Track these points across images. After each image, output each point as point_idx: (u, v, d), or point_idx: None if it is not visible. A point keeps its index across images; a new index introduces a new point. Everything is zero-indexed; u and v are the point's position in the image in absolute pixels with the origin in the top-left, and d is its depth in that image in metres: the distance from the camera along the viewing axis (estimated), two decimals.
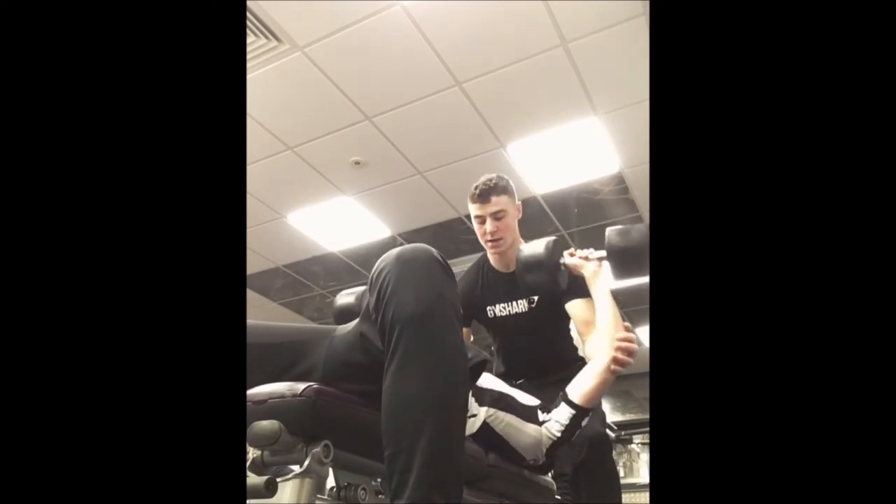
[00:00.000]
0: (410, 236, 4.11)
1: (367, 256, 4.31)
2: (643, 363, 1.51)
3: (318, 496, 0.81)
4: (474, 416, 1.27)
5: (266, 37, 2.55)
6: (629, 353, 1.29)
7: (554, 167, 3.43)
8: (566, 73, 2.75)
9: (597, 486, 1.60)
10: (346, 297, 1.74)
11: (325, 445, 0.80)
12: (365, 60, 2.69)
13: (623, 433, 5.76)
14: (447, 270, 0.86)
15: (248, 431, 0.79)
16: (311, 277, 4.72)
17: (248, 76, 2.75)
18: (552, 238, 1.49)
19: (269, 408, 0.81)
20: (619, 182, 3.54)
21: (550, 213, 3.84)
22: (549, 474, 1.46)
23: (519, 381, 1.73)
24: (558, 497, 1.52)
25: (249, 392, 0.84)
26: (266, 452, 0.82)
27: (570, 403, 1.30)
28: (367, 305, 0.87)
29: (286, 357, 0.98)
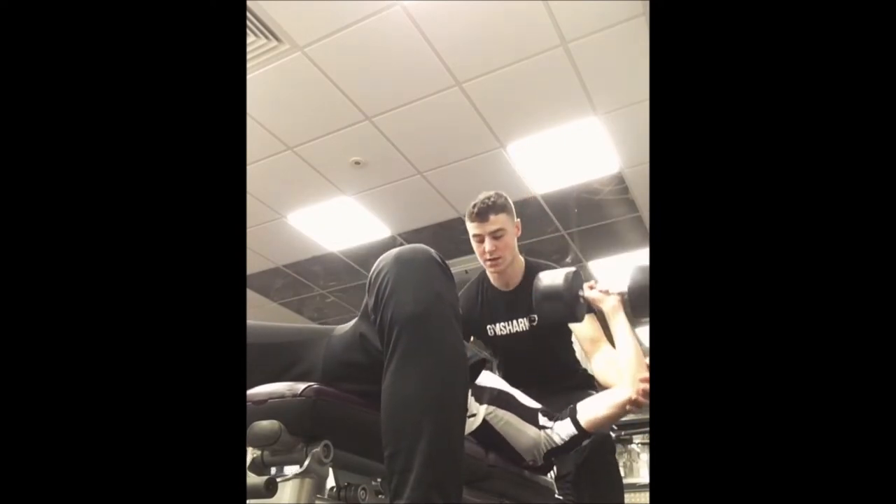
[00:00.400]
0: (410, 236, 4.11)
1: (367, 256, 4.32)
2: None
3: (318, 496, 0.81)
4: (474, 415, 1.27)
5: (266, 37, 2.55)
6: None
7: (554, 167, 3.43)
8: (566, 73, 2.75)
9: (599, 486, 1.60)
10: None
11: (325, 445, 0.80)
12: (365, 60, 2.69)
13: (623, 433, 5.76)
14: (446, 271, 0.86)
15: (248, 431, 0.79)
16: (311, 277, 4.72)
17: (248, 76, 2.75)
18: (572, 269, 1.45)
19: (269, 408, 0.81)
20: (619, 182, 3.54)
21: (550, 213, 3.84)
22: (550, 475, 1.46)
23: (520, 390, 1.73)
24: (559, 497, 1.51)
25: (249, 392, 0.84)
26: (266, 452, 0.82)
27: (577, 423, 1.29)
28: (366, 306, 0.87)
29: (286, 357, 0.98)
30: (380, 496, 0.92)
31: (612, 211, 3.84)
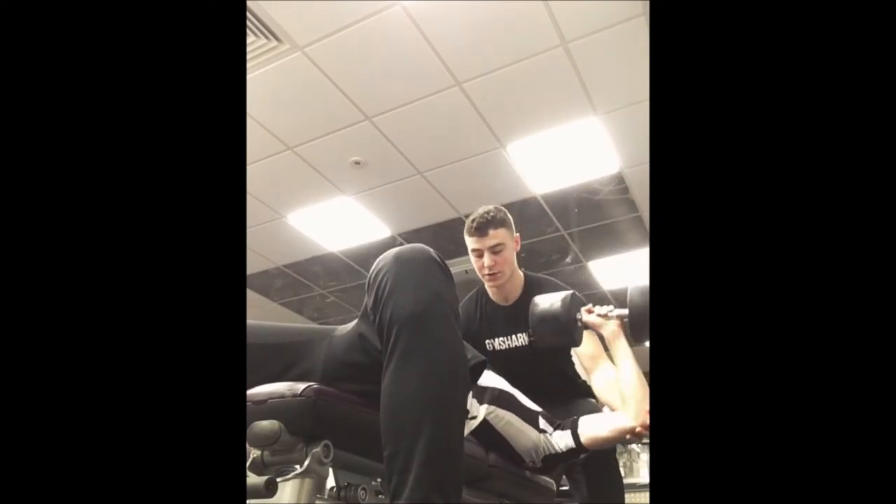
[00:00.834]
0: (410, 236, 4.11)
1: (367, 256, 4.32)
2: (643, 363, 1.51)
3: (318, 496, 0.81)
4: (474, 417, 1.27)
5: (266, 37, 2.55)
6: None
7: (554, 167, 3.43)
8: (566, 73, 2.75)
9: (599, 486, 1.60)
10: None
11: (325, 445, 0.80)
12: (365, 60, 2.69)
13: None
14: (445, 271, 0.86)
15: (248, 431, 0.79)
16: (311, 277, 4.72)
17: (248, 76, 2.75)
18: (569, 293, 1.44)
19: (269, 408, 0.81)
20: (619, 182, 3.54)
21: (550, 213, 3.84)
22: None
23: None
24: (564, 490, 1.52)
25: (249, 392, 0.84)
26: (266, 452, 0.82)
27: (576, 438, 1.28)
28: (366, 306, 0.87)
29: (286, 357, 0.98)
30: (380, 496, 0.92)
31: (612, 211, 3.84)
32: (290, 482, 0.78)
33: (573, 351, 1.72)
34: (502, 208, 1.72)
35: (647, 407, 1.24)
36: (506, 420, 1.29)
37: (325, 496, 0.85)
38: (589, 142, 3.20)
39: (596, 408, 1.59)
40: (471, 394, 1.27)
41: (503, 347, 1.76)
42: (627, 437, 1.24)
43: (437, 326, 0.80)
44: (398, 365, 0.77)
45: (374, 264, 0.86)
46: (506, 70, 2.74)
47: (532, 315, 1.42)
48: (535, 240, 4.09)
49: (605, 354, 1.56)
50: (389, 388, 0.77)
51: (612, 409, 1.46)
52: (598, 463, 1.59)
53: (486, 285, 1.79)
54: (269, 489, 0.75)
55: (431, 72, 2.75)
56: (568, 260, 4.39)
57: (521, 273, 1.79)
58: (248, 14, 2.42)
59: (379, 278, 0.83)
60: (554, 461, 1.31)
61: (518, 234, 1.77)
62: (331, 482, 0.87)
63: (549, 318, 1.39)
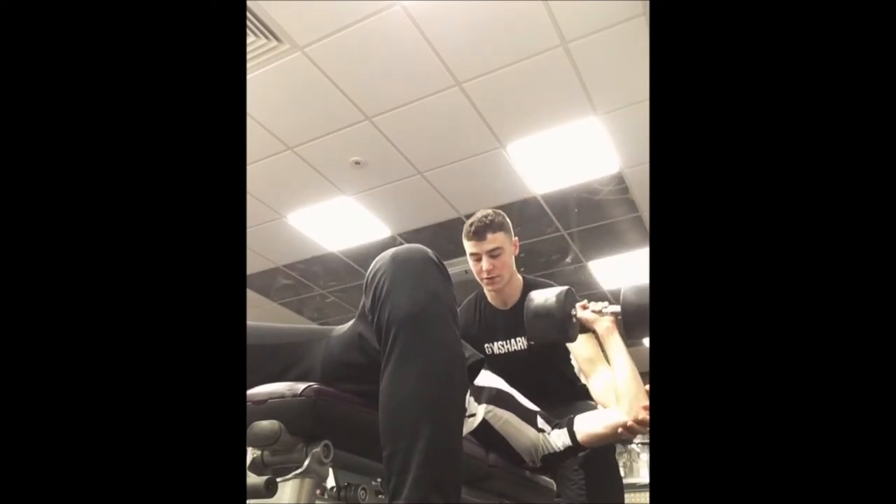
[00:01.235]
0: (410, 236, 4.11)
1: (367, 256, 4.31)
2: (643, 363, 1.51)
3: (318, 496, 0.81)
4: (473, 415, 1.27)
5: (266, 37, 2.55)
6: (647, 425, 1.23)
7: (554, 167, 3.43)
8: (566, 73, 2.75)
9: (599, 486, 1.60)
10: None
11: (325, 445, 0.80)
12: (365, 60, 2.69)
13: None
14: (443, 270, 0.86)
15: (248, 431, 0.79)
16: (311, 277, 4.72)
17: (248, 76, 2.75)
18: (564, 289, 1.44)
19: (269, 408, 0.81)
20: (619, 182, 3.54)
21: (550, 213, 3.84)
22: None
23: None
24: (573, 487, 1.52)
25: (249, 392, 0.84)
26: (266, 452, 0.82)
27: (572, 436, 1.28)
28: (364, 306, 0.87)
29: (286, 358, 0.98)
30: (380, 496, 0.92)
31: (612, 211, 3.84)
32: (290, 482, 0.78)
33: (572, 354, 1.72)
34: (501, 212, 1.72)
35: (640, 402, 1.25)
36: (504, 419, 1.29)
37: (326, 496, 0.86)
38: (589, 142, 3.20)
39: (594, 410, 1.59)
40: (468, 393, 1.27)
41: (502, 351, 1.76)
42: (620, 431, 1.24)
43: (434, 326, 0.80)
44: (396, 365, 0.77)
45: (372, 265, 0.86)
46: (506, 70, 2.74)
47: (527, 310, 1.42)
48: (535, 240, 4.09)
49: (602, 358, 1.56)
50: (388, 388, 0.77)
51: None
52: (597, 463, 1.59)
53: (485, 289, 1.79)
54: (269, 489, 0.75)
55: (431, 72, 2.75)
56: (568, 260, 4.39)
57: (519, 277, 1.79)
58: (248, 14, 2.42)
59: (376, 279, 0.83)
60: (553, 460, 1.31)
61: (517, 238, 1.77)
62: (331, 482, 0.87)
63: (544, 314, 1.40)
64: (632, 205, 3.76)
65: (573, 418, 1.31)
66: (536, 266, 4.36)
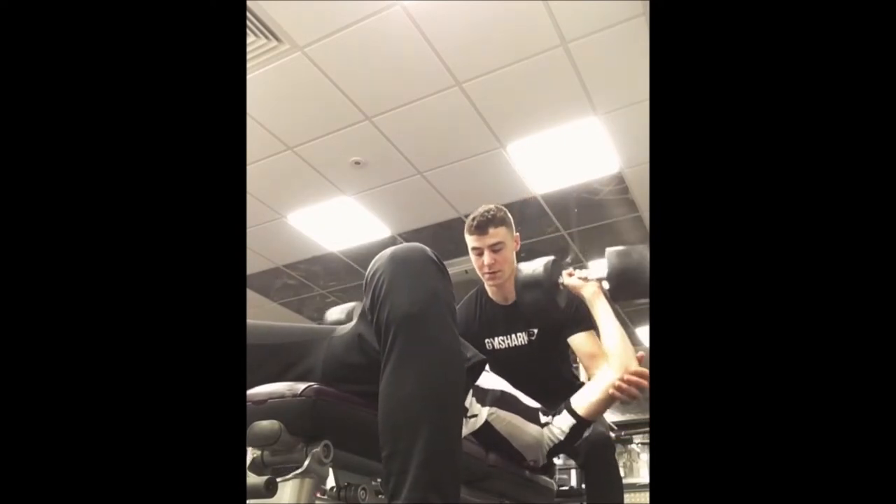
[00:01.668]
0: (410, 236, 4.11)
1: (367, 256, 4.30)
2: (643, 363, 1.51)
3: (318, 496, 0.81)
4: (475, 416, 1.27)
5: (266, 37, 2.55)
6: (638, 387, 1.26)
7: (554, 167, 3.43)
8: (566, 73, 2.74)
9: (599, 486, 1.60)
10: (336, 314, 1.81)
11: (325, 445, 0.80)
12: (365, 60, 2.69)
13: (623, 433, 5.76)
14: (441, 269, 0.86)
15: (248, 431, 0.79)
16: (311, 277, 4.72)
17: (248, 76, 2.75)
18: (550, 258, 1.49)
19: (269, 408, 0.81)
20: (619, 182, 3.54)
21: (550, 213, 3.84)
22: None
23: None
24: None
25: (249, 392, 0.84)
26: (266, 452, 0.82)
27: (573, 413, 1.30)
28: (364, 306, 0.87)
29: (286, 358, 0.98)
30: (380, 496, 0.92)
31: (612, 211, 3.84)
32: (290, 482, 0.78)
33: (571, 349, 1.72)
34: (503, 207, 1.73)
35: (629, 358, 1.29)
36: (507, 421, 1.29)
37: (326, 496, 0.85)
38: (589, 142, 3.20)
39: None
40: (471, 394, 1.27)
41: (503, 347, 1.77)
42: (612, 391, 1.27)
43: (433, 326, 0.79)
44: (395, 366, 0.77)
45: (371, 264, 0.86)
46: (506, 70, 2.74)
47: (516, 281, 1.49)
48: (535, 240, 4.09)
49: (604, 353, 1.57)
50: (387, 388, 0.77)
51: None
52: (597, 463, 1.59)
53: (486, 284, 1.80)
54: (269, 489, 0.75)
55: (431, 72, 2.75)
56: (568, 260, 4.39)
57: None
58: (248, 14, 2.42)
59: (375, 278, 0.83)
60: (560, 449, 1.33)
61: (518, 234, 1.78)
62: (331, 482, 0.87)
63: (532, 283, 1.45)
64: (632, 205, 3.76)
65: (569, 401, 1.33)
66: None
